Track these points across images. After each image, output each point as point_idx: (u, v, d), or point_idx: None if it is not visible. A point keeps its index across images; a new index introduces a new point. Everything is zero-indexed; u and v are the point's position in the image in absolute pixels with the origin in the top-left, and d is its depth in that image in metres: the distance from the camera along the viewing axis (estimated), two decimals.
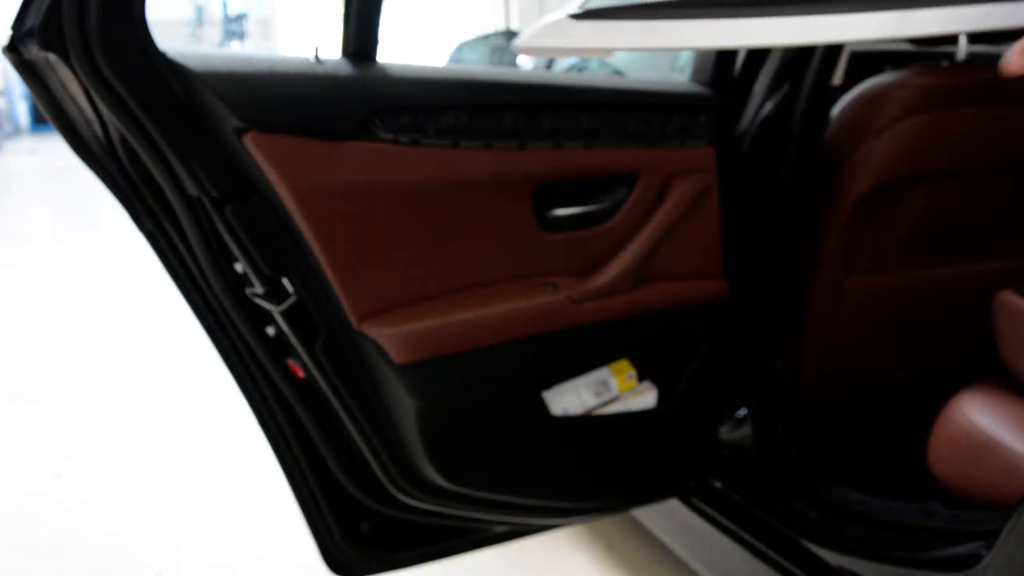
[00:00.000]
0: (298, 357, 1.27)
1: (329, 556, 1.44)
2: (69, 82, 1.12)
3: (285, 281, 1.20)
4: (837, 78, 1.66)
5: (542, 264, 1.37)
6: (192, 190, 1.14)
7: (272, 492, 2.36)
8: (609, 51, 1.14)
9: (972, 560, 1.19)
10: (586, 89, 1.45)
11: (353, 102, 1.20)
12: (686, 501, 1.67)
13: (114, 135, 1.19)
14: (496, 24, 8.20)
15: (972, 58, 1.61)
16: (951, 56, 1.63)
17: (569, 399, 1.40)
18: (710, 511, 1.63)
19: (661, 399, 1.48)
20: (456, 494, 1.38)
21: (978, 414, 1.31)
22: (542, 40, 1.07)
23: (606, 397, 1.42)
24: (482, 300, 1.31)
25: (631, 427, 1.46)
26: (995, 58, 1.12)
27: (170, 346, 3.75)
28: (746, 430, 1.65)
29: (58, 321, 4.30)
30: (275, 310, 1.21)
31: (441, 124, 1.25)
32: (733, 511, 1.61)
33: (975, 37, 1.58)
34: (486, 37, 2.82)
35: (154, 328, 4.05)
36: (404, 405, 1.28)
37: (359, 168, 1.20)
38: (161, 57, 1.09)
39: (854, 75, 1.69)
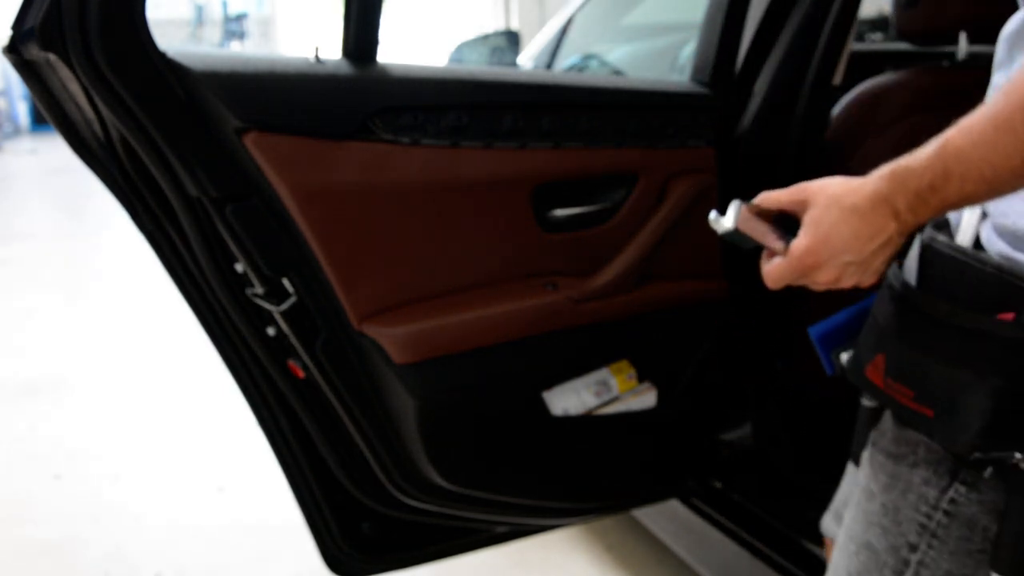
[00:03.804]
0: (298, 357, 1.27)
1: (329, 556, 1.44)
2: (69, 82, 1.12)
3: (285, 281, 1.20)
4: (837, 78, 1.66)
5: (542, 264, 1.37)
6: (192, 190, 1.14)
7: (272, 492, 2.36)
8: None
9: None
10: (586, 89, 1.45)
11: (353, 102, 1.20)
12: (686, 501, 1.67)
13: (114, 135, 1.19)
14: (496, 24, 8.20)
15: (972, 58, 1.60)
16: (951, 56, 1.63)
17: (569, 399, 1.40)
18: (710, 511, 1.63)
19: (661, 399, 1.47)
20: (456, 494, 1.38)
21: None
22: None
23: (606, 397, 1.42)
24: (482, 300, 1.31)
25: (631, 427, 1.46)
26: None
27: (170, 346, 3.75)
28: (746, 430, 1.65)
29: (58, 320, 4.30)
30: (275, 310, 1.21)
31: (441, 124, 1.25)
32: (733, 511, 1.60)
33: (975, 37, 1.58)
34: (486, 37, 2.82)
35: (154, 328, 4.05)
36: (404, 405, 1.28)
37: (359, 168, 1.20)
38: (161, 57, 1.09)
39: (854, 75, 1.69)
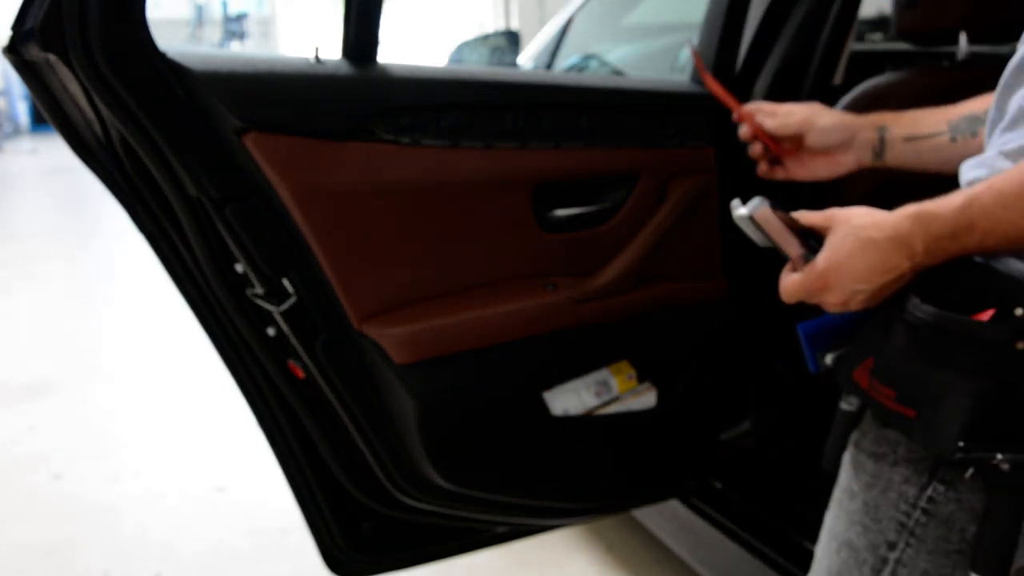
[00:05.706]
0: (298, 357, 1.27)
1: (329, 556, 1.44)
2: (69, 83, 1.12)
3: (285, 281, 1.20)
4: (837, 78, 1.65)
5: (542, 264, 1.37)
6: (192, 190, 1.14)
7: (272, 492, 2.36)
8: None
9: None
10: (586, 89, 1.45)
11: (353, 102, 1.20)
12: (686, 501, 1.67)
13: (114, 135, 1.19)
14: (496, 24, 8.20)
15: (972, 58, 1.60)
16: (951, 56, 1.63)
17: (569, 399, 1.40)
18: (710, 511, 1.63)
19: (661, 399, 1.47)
20: (456, 495, 1.38)
21: None
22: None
23: (606, 397, 1.42)
24: (482, 300, 1.31)
25: (631, 427, 1.46)
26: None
27: (170, 346, 3.75)
28: (746, 430, 1.65)
29: (58, 321, 4.30)
30: (275, 311, 1.21)
31: (441, 124, 1.25)
32: (733, 511, 1.60)
33: (975, 37, 1.58)
34: (486, 37, 2.82)
35: (154, 328, 4.05)
36: (404, 405, 1.28)
37: (359, 168, 1.20)
38: (161, 57, 1.09)
39: (854, 75, 1.69)
